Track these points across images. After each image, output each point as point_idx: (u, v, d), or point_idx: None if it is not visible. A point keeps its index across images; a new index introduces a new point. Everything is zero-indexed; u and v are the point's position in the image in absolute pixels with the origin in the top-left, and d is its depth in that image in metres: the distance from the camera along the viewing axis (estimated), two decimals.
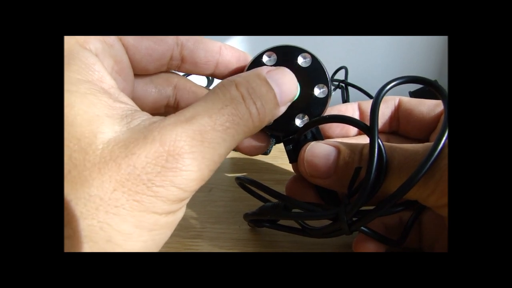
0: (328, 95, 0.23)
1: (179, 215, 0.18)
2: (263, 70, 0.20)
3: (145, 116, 0.17)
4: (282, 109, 0.21)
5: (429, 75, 0.60)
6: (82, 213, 0.15)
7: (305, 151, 0.22)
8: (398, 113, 0.28)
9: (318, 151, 0.22)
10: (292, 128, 0.24)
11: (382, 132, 0.29)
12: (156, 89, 0.24)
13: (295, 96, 0.22)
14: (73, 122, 0.15)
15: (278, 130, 0.24)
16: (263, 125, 0.19)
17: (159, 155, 0.15)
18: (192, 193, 0.17)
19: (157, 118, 0.17)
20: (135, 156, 0.15)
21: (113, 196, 0.15)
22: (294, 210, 0.23)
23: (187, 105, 0.18)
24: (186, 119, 0.17)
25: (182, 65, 0.23)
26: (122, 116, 0.17)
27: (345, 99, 0.46)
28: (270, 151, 0.25)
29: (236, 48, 0.24)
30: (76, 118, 0.16)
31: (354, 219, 0.20)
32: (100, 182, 0.15)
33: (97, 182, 0.15)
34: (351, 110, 0.29)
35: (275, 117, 0.20)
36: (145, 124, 0.16)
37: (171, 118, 0.17)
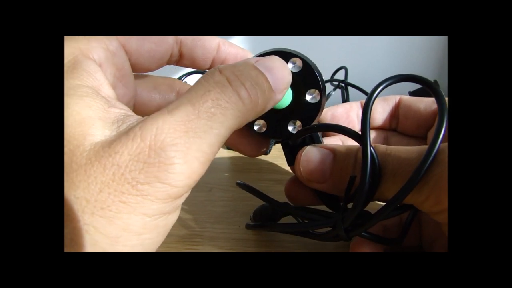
0: (321, 100, 0.23)
1: (172, 218, 0.17)
2: (251, 59, 0.19)
3: (136, 118, 0.17)
4: (279, 96, 0.19)
5: (429, 75, 0.60)
6: (68, 215, 0.14)
7: (300, 155, 0.22)
8: (398, 110, 0.28)
9: (314, 155, 0.22)
10: (286, 134, 0.23)
11: (381, 129, 0.29)
12: (160, 95, 0.24)
13: (289, 83, 0.20)
14: (65, 123, 0.15)
15: (273, 135, 0.24)
16: (259, 109, 0.18)
17: (140, 151, 0.15)
18: (185, 191, 0.16)
19: (145, 117, 0.17)
20: (118, 155, 0.15)
21: (99, 197, 0.15)
22: None
23: None
24: (168, 111, 0.16)
25: (181, 61, 0.24)
26: (114, 121, 0.16)
27: (345, 99, 0.46)
28: (270, 151, 0.25)
29: (236, 45, 0.24)
30: (68, 119, 0.15)
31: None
32: (86, 184, 0.15)
33: (83, 184, 0.15)
34: (355, 107, 0.29)
35: (273, 103, 0.19)
36: (132, 124, 0.16)
37: (155, 113, 0.16)
